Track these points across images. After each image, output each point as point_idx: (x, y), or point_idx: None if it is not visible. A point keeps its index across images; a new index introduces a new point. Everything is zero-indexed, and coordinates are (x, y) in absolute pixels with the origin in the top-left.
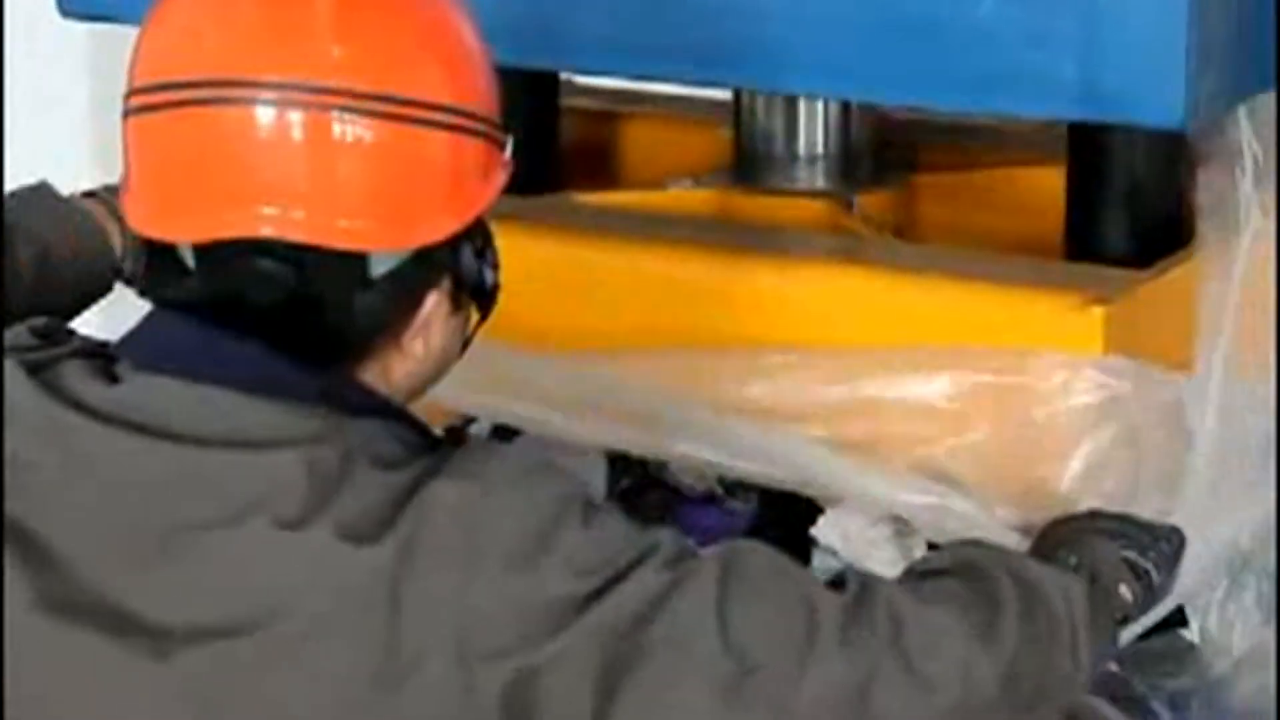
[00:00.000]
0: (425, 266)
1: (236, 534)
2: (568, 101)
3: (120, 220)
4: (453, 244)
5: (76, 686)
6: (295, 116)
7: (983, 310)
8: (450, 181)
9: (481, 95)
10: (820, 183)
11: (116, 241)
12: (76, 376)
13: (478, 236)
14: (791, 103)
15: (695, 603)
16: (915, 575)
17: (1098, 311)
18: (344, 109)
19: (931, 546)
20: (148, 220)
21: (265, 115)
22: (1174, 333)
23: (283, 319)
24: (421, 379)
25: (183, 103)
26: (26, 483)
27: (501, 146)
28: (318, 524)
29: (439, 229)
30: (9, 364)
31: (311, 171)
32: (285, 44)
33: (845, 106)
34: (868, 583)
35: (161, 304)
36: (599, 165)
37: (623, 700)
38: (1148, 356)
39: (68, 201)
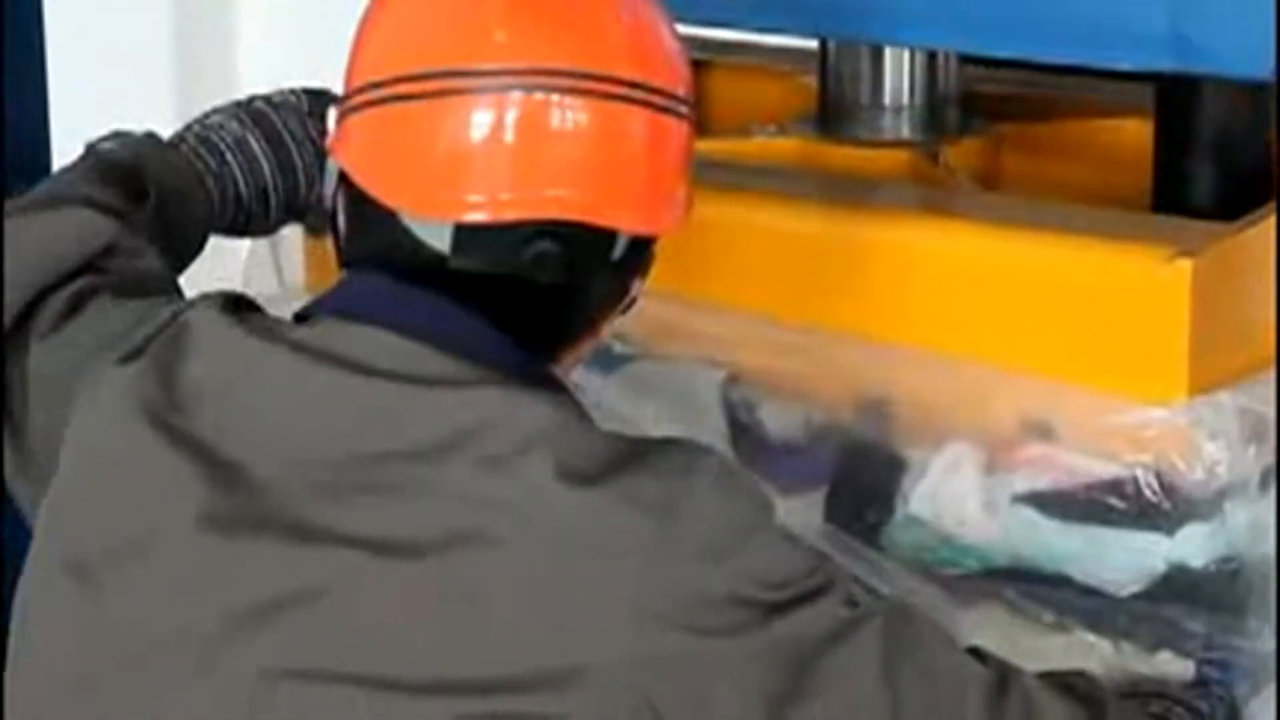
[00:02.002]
0: (639, 254)
1: (440, 466)
2: None
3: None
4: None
5: (267, 594)
6: (579, 103)
7: (1069, 262)
8: (686, 172)
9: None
10: (905, 133)
11: (209, 182)
12: (274, 321)
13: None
14: (877, 52)
15: (866, 647)
16: (1040, 675)
17: (1185, 264)
18: (627, 99)
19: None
20: (435, 203)
21: (549, 102)
22: (1261, 286)
23: (529, 300)
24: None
25: (473, 89)
26: (225, 408)
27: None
28: (522, 462)
29: (675, 216)
30: (203, 306)
31: (595, 158)
32: (571, 31)
33: (931, 56)
34: (1006, 670)
35: (369, 269)
36: None
37: None
38: (1233, 310)
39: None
